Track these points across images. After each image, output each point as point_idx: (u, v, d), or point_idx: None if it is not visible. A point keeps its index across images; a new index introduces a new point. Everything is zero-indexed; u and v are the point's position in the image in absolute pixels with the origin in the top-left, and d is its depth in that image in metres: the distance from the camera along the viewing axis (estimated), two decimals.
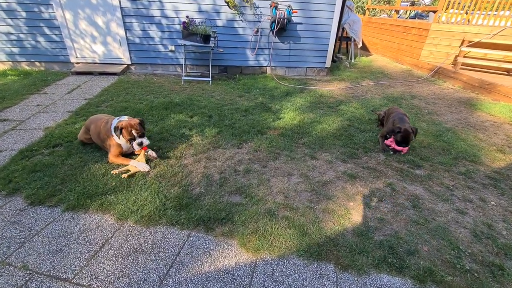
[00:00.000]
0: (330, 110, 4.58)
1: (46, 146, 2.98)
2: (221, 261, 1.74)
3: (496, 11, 6.94)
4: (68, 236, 1.87)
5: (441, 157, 3.20)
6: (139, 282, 1.58)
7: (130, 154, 2.87)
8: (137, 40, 5.85)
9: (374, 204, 2.34)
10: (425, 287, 1.64)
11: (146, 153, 2.71)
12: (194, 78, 5.72)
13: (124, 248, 1.79)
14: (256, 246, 1.84)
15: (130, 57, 6.00)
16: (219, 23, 5.86)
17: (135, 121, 2.65)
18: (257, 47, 6.09)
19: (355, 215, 2.19)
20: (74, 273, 1.62)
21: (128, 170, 2.58)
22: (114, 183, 2.40)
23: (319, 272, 1.69)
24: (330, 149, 3.27)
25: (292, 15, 5.80)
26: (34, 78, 5.21)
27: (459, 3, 7.15)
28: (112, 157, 2.70)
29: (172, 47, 5.98)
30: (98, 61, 5.99)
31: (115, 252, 1.77)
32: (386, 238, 1.97)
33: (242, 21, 5.92)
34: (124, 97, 4.56)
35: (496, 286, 1.66)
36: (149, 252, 1.78)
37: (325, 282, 1.63)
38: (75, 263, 1.69)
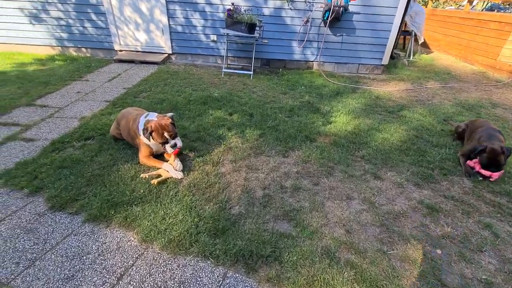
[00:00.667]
0: (390, 116, 3.88)
1: (79, 138, 2.78)
2: None
3: None
4: (84, 258, 1.56)
5: None
6: None
7: (161, 154, 2.55)
8: (179, 29, 5.59)
9: (471, 255, 1.72)
10: None
11: (175, 161, 2.35)
12: (234, 71, 5.32)
13: (146, 285, 1.43)
14: None
15: (171, 46, 5.78)
16: (266, 11, 5.36)
17: (166, 121, 2.29)
18: (305, 39, 5.48)
19: (447, 273, 1.60)
20: None
21: (159, 175, 2.25)
22: (142, 191, 2.07)
23: None
24: (396, 167, 2.64)
25: (350, 3, 5.08)
26: (79, 64, 5.21)
27: None
28: (143, 158, 2.39)
29: (214, 37, 5.62)
30: (140, 49, 5.87)
31: None
32: None
33: (291, 9, 5.34)
34: (162, 88, 4.31)
35: None
36: None
37: None
38: None
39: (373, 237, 1.81)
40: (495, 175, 2.51)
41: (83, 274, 1.47)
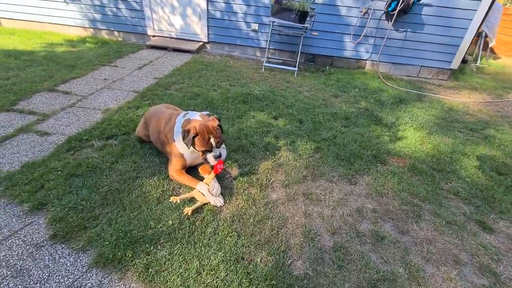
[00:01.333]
0: (474, 135, 3.08)
1: (99, 136, 2.32)
2: None
3: None
4: None
5: None
6: None
7: (194, 167, 2.01)
8: (218, 15, 5.03)
9: None
10: None
11: (212, 180, 1.79)
12: (276, 66, 4.69)
13: None
14: None
15: (208, 34, 5.25)
16: None
17: (213, 122, 1.74)
18: (362, 34, 4.71)
19: None
20: None
21: (193, 198, 1.71)
22: (171, 222, 1.54)
23: None
24: (509, 213, 1.92)
25: None
26: (110, 48, 4.84)
27: None
28: (174, 173, 1.86)
29: (256, 26, 5.01)
30: (174, 36, 5.40)
31: None
32: None
33: None
34: (197, 80, 3.79)
35: None
36: None
37: None
38: None
39: None
40: None
41: None
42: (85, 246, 1.38)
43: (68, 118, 2.60)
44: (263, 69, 4.58)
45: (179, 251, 1.39)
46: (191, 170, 1.98)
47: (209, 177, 1.79)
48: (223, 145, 1.80)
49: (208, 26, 5.17)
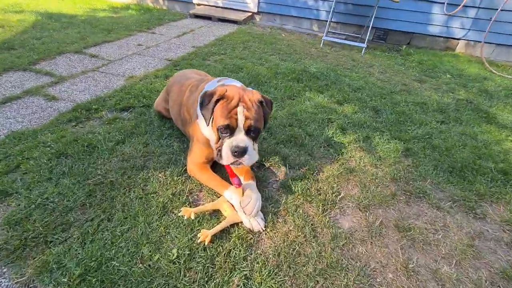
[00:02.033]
0: None
1: (113, 106, 1.81)
2: None
3: None
4: None
5: None
6: None
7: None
8: None
9: None
10: None
11: (248, 190, 1.13)
12: (339, 41, 3.80)
13: None
14: None
15: (258, 2, 4.52)
16: None
17: (252, 95, 1.08)
18: (461, 5, 3.52)
19: None
20: None
21: (216, 213, 1.08)
22: (175, 253, 0.93)
23: None
24: None
25: None
26: (151, 15, 4.41)
27: None
28: (194, 166, 1.24)
29: None
30: (220, 5, 4.78)
31: None
32: None
33: None
34: (241, 52, 3.13)
35: None
36: None
37: None
38: None
39: None
40: None
41: None
42: (32, 279, 0.83)
43: (85, 83, 2.15)
44: (321, 44, 3.73)
45: None
46: (221, 168, 1.34)
47: (246, 182, 1.13)
48: (255, 146, 1.10)
49: None
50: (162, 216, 1.07)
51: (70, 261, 0.86)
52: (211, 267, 0.90)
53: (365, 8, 3.93)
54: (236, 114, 1.02)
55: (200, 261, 0.91)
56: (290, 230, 1.07)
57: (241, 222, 1.07)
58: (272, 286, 0.86)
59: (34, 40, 2.88)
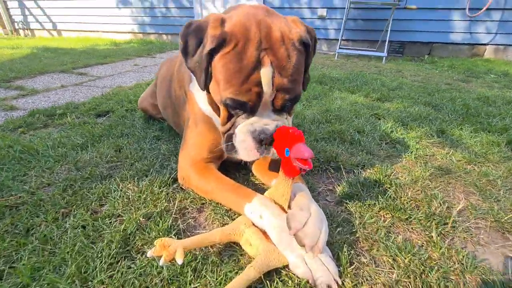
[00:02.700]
0: None
1: (86, 112, 1.35)
2: None
3: None
4: None
5: None
6: None
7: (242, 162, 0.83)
8: (276, 2, 4.16)
9: None
10: None
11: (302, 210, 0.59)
12: (355, 52, 3.48)
13: None
14: None
15: None
16: None
17: (286, 27, 0.60)
18: (486, 7, 3.24)
19: None
20: None
21: (228, 246, 0.51)
22: None
23: None
24: None
25: None
26: (153, 46, 4.27)
27: None
28: (190, 167, 0.71)
29: (323, 12, 3.96)
30: None
31: None
32: None
33: None
34: None
35: None
36: None
37: None
38: None
39: None
40: None
41: None
42: None
43: (60, 95, 1.74)
44: (336, 57, 3.41)
45: None
46: (233, 170, 0.80)
47: (283, 186, 0.58)
48: (289, 121, 0.65)
49: None
50: (118, 262, 0.51)
51: None
52: None
53: (377, 22, 3.69)
54: (259, 84, 0.56)
55: None
56: (392, 279, 0.49)
57: (286, 266, 0.50)
58: None
59: (19, 64, 2.59)
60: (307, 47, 0.62)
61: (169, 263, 0.47)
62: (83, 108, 1.40)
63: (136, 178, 0.77)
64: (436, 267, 0.53)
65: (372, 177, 0.82)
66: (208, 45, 0.57)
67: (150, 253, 0.47)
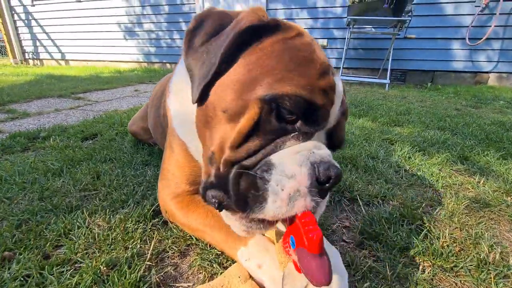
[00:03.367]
0: None
1: (73, 135, 1.24)
2: None
3: None
4: None
5: None
6: None
7: None
8: None
9: None
10: None
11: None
12: (357, 79, 3.47)
13: None
14: None
15: None
16: None
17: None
18: (485, 37, 3.27)
19: None
20: None
21: None
22: None
23: None
24: None
25: None
26: (156, 73, 4.32)
27: None
28: (169, 200, 0.57)
29: (324, 42, 4.04)
30: None
31: None
32: None
33: None
34: None
35: None
36: None
37: None
38: None
39: None
40: None
41: None
42: None
43: (52, 118, 1.65)
44: None
45: None
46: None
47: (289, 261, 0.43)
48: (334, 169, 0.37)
49: None
50: None
51: None
52: None
53: (378, 51, 3.74)
54: (332, 89, 0.40)
55: None
56: None
57: None
58: None
59: (18, 89, 2.56)
60: None
61: None
62: (71, 131, 1.29)
63: (109, 211, 0.63)
64: None
65: (397, 211, 0.67)
66: (246, 22, 0.41)
67: None
